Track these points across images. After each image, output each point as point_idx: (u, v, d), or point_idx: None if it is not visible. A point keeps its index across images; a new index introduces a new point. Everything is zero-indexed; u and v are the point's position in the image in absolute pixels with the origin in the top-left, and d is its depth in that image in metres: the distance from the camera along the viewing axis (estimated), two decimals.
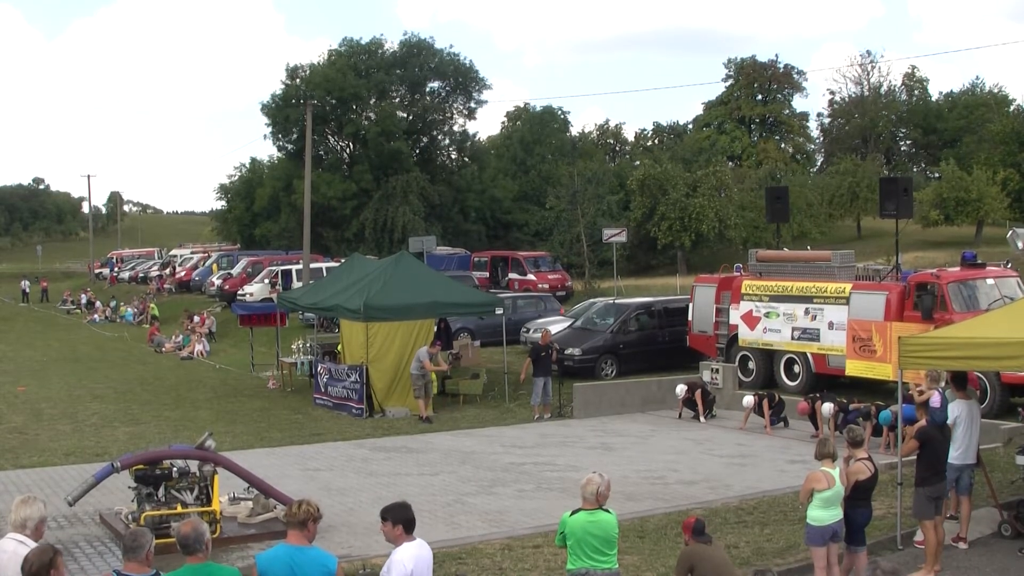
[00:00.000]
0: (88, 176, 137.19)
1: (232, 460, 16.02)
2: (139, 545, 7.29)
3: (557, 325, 33.48)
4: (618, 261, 46.70)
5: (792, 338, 26.47)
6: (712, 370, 27.18)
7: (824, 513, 11.51)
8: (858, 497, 12.02)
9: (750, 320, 27.57)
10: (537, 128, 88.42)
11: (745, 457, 20.91)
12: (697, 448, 22.00)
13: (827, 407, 21.54)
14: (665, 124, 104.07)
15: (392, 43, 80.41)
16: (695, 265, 63.47)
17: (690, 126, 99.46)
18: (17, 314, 67.30)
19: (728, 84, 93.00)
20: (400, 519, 8.15)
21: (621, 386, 28.02)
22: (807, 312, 26.07)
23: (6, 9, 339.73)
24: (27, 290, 79.62)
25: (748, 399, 24.15)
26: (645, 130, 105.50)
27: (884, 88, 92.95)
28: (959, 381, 14.40)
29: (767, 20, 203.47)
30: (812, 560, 11.80)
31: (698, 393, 25.40)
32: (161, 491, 14.48)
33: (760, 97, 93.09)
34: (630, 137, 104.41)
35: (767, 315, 27.05)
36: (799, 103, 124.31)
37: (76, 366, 38.16)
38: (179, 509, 14.17)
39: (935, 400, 14.08)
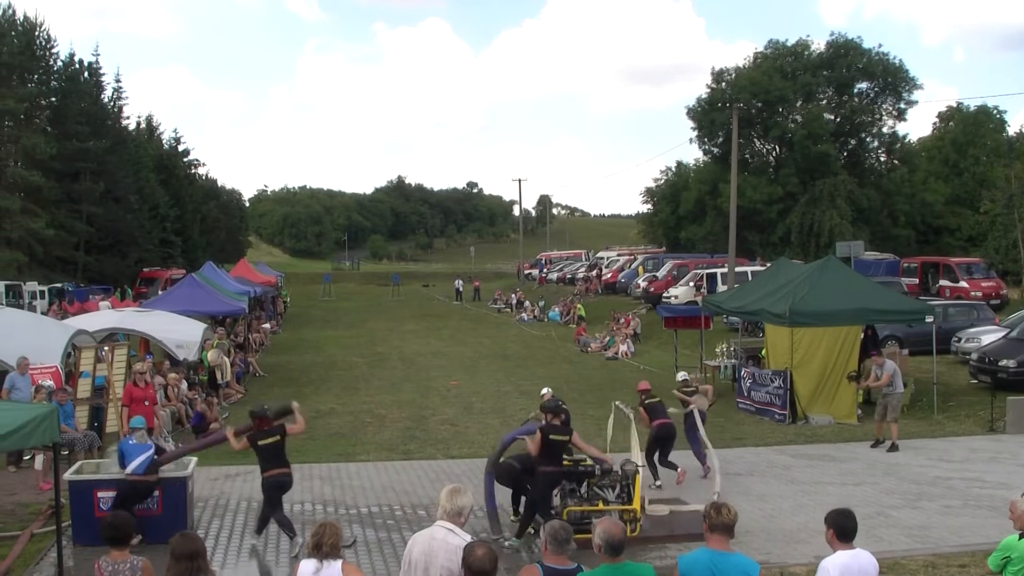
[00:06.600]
0: (519, 180, 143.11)
1: None
2: (567, 538, 7.42)
3: (991, 335, 31.78)
4: None
5: None
6: None
7: None
8: None
9: None
10: (971, 129, 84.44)
11: None
12: None
13: None
14: None
15: (818, 44, 79.27)
16: None
17: None
18: (451, 312, 71.34)
19: None
20: (833, 524, 8.07)
21: None
22: None
23: (437, 23, 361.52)
24: (460, 289, 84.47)
25: None
26: None
27: None
28: None
29: None
30: None
31: None
32: (584, 487, 14.88)
33: None
34: None
35: None
36: None
37: (505, 363, 39.80)
38: (600, 506, 14.49)
39: None
